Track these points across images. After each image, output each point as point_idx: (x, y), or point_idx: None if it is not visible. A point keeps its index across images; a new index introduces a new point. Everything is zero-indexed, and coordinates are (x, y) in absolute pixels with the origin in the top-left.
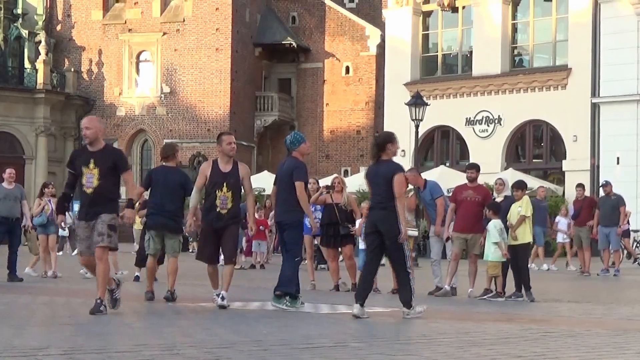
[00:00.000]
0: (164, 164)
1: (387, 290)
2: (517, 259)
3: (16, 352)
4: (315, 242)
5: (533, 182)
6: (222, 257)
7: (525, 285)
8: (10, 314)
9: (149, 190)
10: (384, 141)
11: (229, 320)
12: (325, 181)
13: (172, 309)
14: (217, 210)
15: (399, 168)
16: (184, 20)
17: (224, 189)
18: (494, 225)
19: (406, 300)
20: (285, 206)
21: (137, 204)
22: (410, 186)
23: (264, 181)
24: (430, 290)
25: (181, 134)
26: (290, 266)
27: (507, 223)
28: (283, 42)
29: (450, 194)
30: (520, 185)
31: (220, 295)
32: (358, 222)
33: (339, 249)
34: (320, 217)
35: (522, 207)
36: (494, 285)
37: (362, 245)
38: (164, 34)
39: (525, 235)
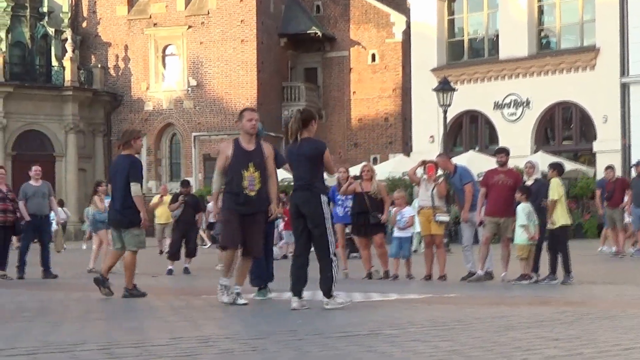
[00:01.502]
0: (124, 152)
1: (420, 277)
2: (555, 242)
3: (53, 348)
4: (347, 231)
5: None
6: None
7: (566, 268)
8: (46, 310)
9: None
10: (309, 117)
11: (264, 311)
12: (354, 169)
13: (207, 302)
14: (245, 192)
15: (322, 144)
16: (208, 13)
17: (251, 168)
18: (522, 208)
19: (326, 289)
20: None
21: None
22: (440, 171)
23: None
24: (463, 276)
25: (209, 127)
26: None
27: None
28: (308, 32)
29: (481, 179)
30: (553, 167)
31: (238, 292)
32: (393, 210)
33: (370, 238)
34: (350, 206)
35: (551, 191)
36: (529, 269)
37: (396, 232)
38: (189, 27)
39: (561, 218)
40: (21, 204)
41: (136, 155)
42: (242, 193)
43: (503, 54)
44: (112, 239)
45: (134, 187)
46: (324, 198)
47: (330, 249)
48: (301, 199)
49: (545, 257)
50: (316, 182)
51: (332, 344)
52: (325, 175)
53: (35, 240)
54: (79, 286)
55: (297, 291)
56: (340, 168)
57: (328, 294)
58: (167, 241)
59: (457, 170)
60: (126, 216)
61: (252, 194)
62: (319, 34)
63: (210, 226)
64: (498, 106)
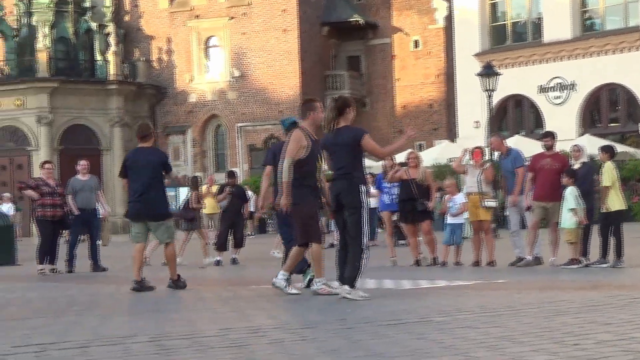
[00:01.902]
0: (141, 145)
1: (468, 263)
2: (608, 226)
3: (105, 340)
4: (394, 218)
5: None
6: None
7: (618, 251)
8: (96, 303)
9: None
10: (344, 105)
11: (312, 300)
12: (400, 157)
13: (255, 293)
14: (318, 184)
15: (361, 130)
16: (250, 4)
17: (320, 160)
18: (570, 191)
19: (350, 277)
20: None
21: (207, 187)
22: (487, 157)
23: None
24: (511, 262)
25: (253, 117)
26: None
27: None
28: (350, 20)
29: (527, 163)
30: (604, 149)
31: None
32: (445, 197)
33: (418, 225)
34: (397, 193)
35: (604, 176)
36: (578, 254)
37: (448, 219)
38: (231, 18)
39: (616, 202)
40: (69, 198)
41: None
42: (316, 185)
43: (547, 36)
44: (130, 232)
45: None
46: (363, 188)
47: (364, 240)
48: (340, 188)
49: (594, 240)
50: (355, 171)
51: (382, 332)
52: (369, 162)
53: (83, 237)
54: (128, 279)
55: (351, 279)
56: None
57: (352, 283)
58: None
59: (510, 153)
60: (163, 208)
61: (320, 185)
62: (361, 21)
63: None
64: (543, 90)
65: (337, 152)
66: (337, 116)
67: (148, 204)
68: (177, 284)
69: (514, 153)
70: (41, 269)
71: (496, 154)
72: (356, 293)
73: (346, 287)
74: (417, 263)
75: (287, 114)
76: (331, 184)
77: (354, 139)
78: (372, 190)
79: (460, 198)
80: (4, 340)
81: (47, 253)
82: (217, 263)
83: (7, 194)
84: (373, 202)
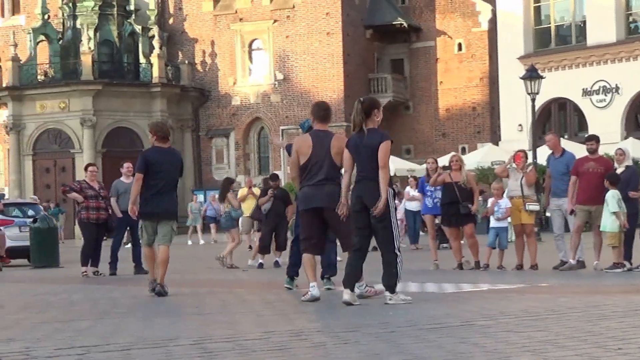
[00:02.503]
0: (159, 145)
1: (511, 267)
2: None
3: (147, 343)
4: (437, 222)
5: None
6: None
7: None
8: (139, 306)
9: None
10: (370, 106)
11: (354, 303)
12: (443, 160)
13: (297, 295)
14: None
15: (386, 136)
16: (293, 7)
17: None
18: (612, 195)
19: (390, 285)
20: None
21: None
22: (530, 160)
23: None
24: (554, 265)
25: (296, 120)
26: (334, 249)
27: None
28: (394, 23)
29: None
30: None
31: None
32: (490, 200)
33: (461, 228)
34: (440, 196)
35: None
36: (621, 257)
37: (493, 223)
38: (275, 21)
39: None
40: (113, 200)
41: None
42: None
43: (591, 40)
44: (141, 234)
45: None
46: (389, 191)
47: (395, 244)
48: (365, 190)
49: (638, 244)
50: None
51: (424, 336)
52: (413, 165)
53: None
54: (171, 282)
55: (349, 284)
56: (429, 159)
57: (392, 289)
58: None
59: (564, 154)
60: (174, 208)
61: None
62: (405, 24)
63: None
64: (587, 93)
65: (362, 154)
66: (364, 118)
67: (163, 203)
68: (161, 290)
69: (569, 156)
70: (84, 272)
71: (543, 155)
72: (397, 297)
73: (348, 290)
74: (460, 266)
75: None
76: (355, 185)
77: (379, 142)
78: (415, 193)
79: (505, 202)
80: (47, 342)
81: (90, 255)
82: (260, 266)
83: (34, 197)
84: (416, 206)
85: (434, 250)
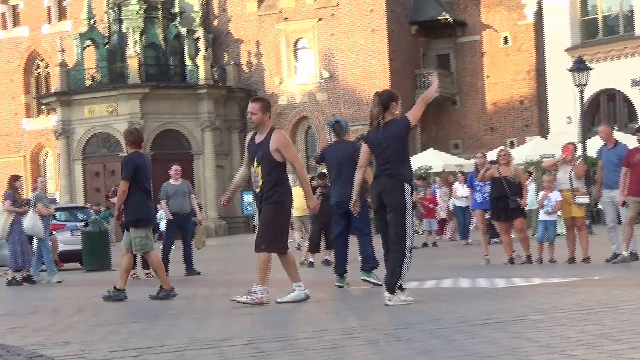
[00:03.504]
0: (138, 150)
1: (563, 261)
2: None
3: (201, 344)
4: (487, 217)
5: None
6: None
7: None
8: (192, 307)
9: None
10: (389, 99)
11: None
12: (491, 154)
13: (349, 294)
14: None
15: (407, 119)
16: (337, 5)
17: (255, 163)
18: None
19: (391, 285)
20: (350, 187)
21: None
22: (579, 152)
23: (430, 159)
24: (607, 258)
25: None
26: (369, 242)
27: None
28: (439, 18)
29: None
30: None
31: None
32: (540, 194)
33: (510, 222)
34: (489, 191)
35: None
36: None
37: (542, 216)
38: (319, 19)
39: None
40: (163, 203)
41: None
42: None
43: (639, 29)
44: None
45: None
46: (407, 187)
47: (406, 244)
48: (383, 186)
49: None
50: (401, 168)
51: (477, 332)
52: (461, 160)
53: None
54: (222, 282)
55: (391, 286)
56: (477, 154)
57: (392, 289)
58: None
59: (617, 145)
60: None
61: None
62: (450, 19)
63: None
64: (636, 83)
65: (383, 148)
66: (383, 111)
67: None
68: (119, 294)
69: (622, 147)
70: (134, 274)
71: (592, 147)
72: (397, 298)
73: (387, 294)
74: (511, 261)
75: None
76: (374, 181)
77: (402, 130)
78: (465, 188)
79: (556, 195)
80: (102, 345)
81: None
82: (310, 265)
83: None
84: (465, 201)
85: (484, 245)
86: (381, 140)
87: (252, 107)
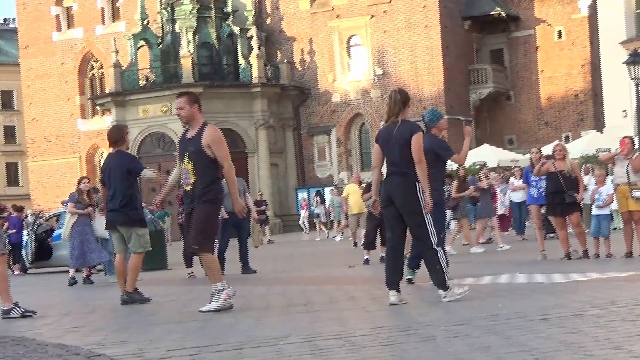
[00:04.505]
0: (111, 150)
1: (620, 255)
2: None
3: (258, 342)
4: (543, 212)
5: None
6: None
7: None
8: (249, 305)
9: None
10: (407, 98)
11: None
12: (546, 149)
13: (405, 290)
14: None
15: (417, 127)
16: (390, 1)
17: (185, 159)
18: None
19: (440, 282)
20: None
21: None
22: (637, 146)
23: (485, 154)
24: None
25: None
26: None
27: None
28: (492, 13)
29: None
30: None
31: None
32: (592, 188)
33: (566, 217)
34: (544, 186)
35: None
36: None
37: (594, 211)
38: (372, 16)
39: None
40: None
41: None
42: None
43: None
44: (115, 243)
45: (149, 173)
46: (419, 186)
47: (432, 240)
48: (394, 186)
49: None
50: (413, 167)
51: (535, 327)
52: (516, 155)
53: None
54: (278, 280)
55: (393, 284)
56: (532, 148)
57: (444, 286)
58: (362, 232)
59: None
60: (129, 215)
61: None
62: (503, 14)
63: None
64: None
65: (392, 145)
66: (402, 109)
67: (118, 212)
68: (133, 297)
69: None
70: (190, 272)
71: None
72: (452, 293)
73: (393, 292)
74: (568, 256)
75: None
76: (385, 180)
77: (411, 133)
78: (520, 183)
79: (607, 189)
80: (160, 343)
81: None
82: (366, 262)
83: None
84: (521, 196)
85: (540, 240)
86: (393, 138)
87: (179, 102)
